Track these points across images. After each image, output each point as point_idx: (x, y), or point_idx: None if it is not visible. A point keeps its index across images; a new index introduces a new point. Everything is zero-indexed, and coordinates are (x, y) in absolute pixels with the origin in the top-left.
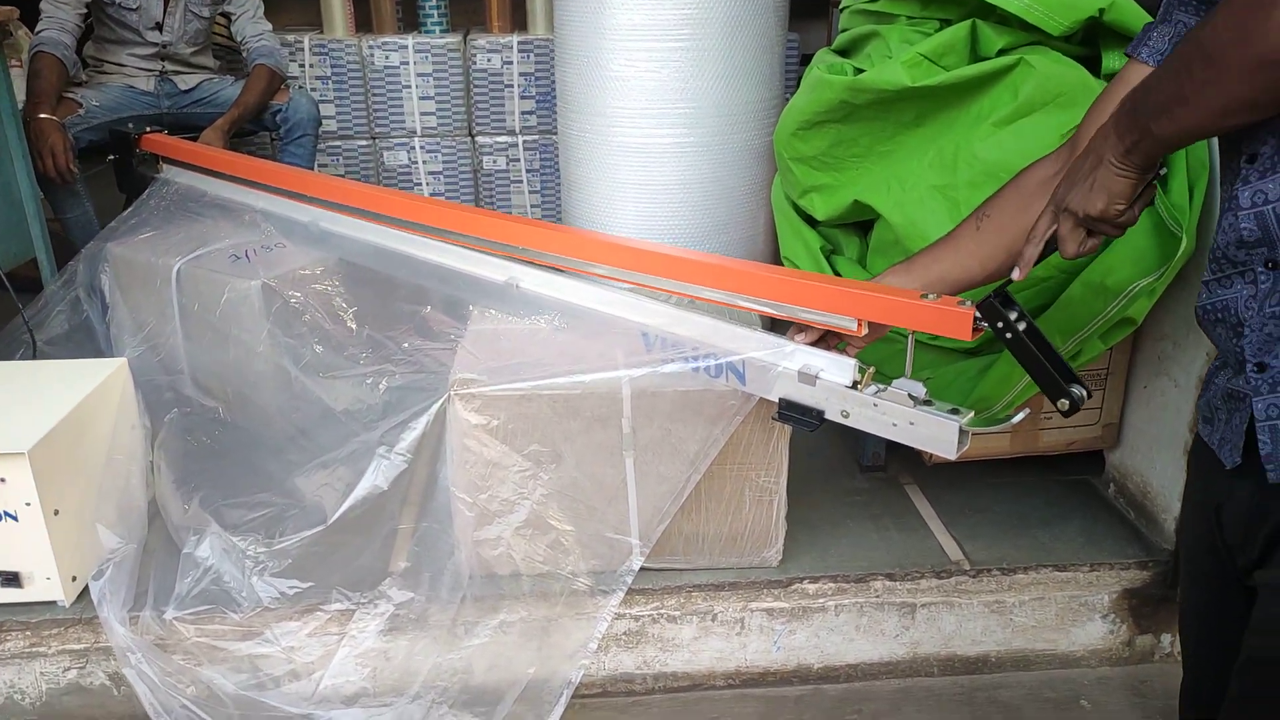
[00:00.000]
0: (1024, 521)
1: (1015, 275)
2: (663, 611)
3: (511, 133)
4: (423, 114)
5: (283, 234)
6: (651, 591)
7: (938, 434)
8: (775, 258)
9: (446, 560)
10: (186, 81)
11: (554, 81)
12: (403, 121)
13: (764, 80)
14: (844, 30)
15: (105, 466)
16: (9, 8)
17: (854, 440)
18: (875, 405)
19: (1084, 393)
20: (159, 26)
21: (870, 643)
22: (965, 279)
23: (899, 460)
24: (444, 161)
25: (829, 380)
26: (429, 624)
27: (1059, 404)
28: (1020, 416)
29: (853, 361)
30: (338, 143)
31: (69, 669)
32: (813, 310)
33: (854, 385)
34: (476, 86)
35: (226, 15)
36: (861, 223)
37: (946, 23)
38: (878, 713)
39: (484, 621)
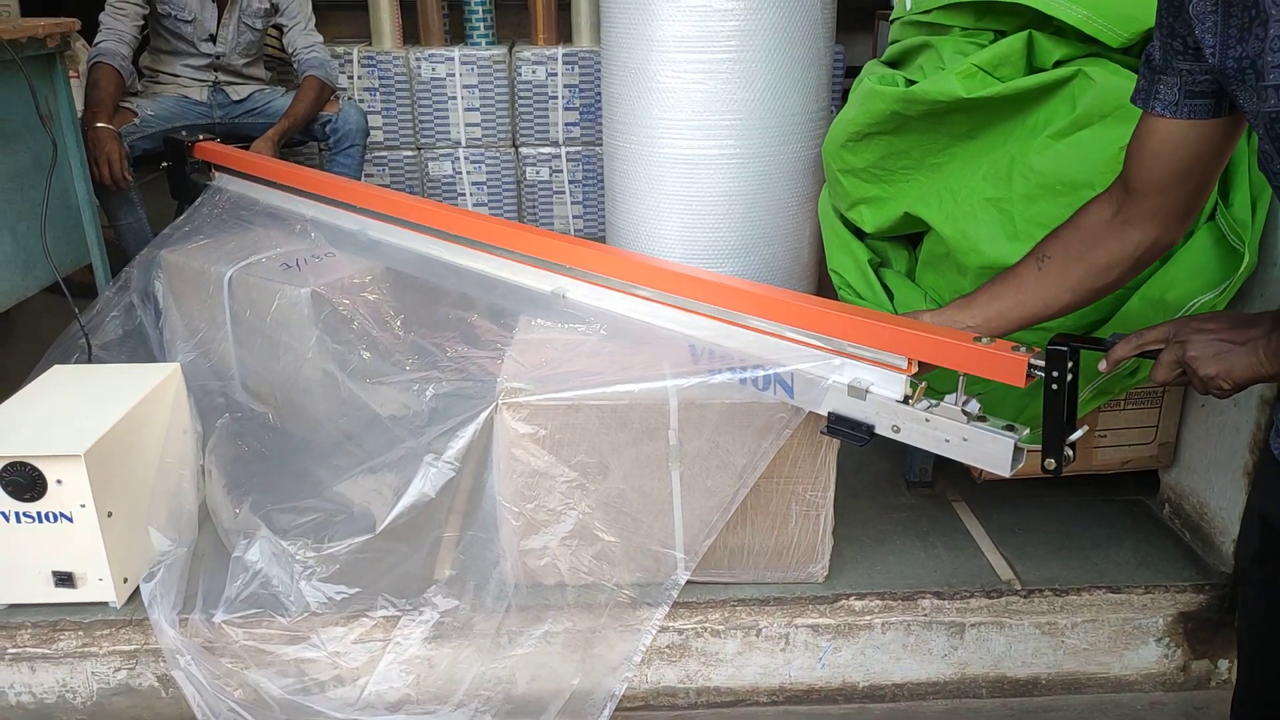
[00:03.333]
0: (1076, 541)
1: (1102, 367)
2: (707, 625)
3: (555, 144)
4: (468, 125)
5: (331, 242)
6: (696, 605)
7: (992, 451)
8: (820, 271)
9: (492, 569)
10: (239, 92)
11: (598, 93)
12: (448, 132)
13: (811, 92)
14: (894, 42)
15: (157, 470)
16: (70, 19)
17: (901, 456)
18: (927, 420)
19: (1071, 455)
20: (213, 38)
21: (917, 662)
22: (1026, 318)
23: (947, 477)
24: (488, 172)
25: (880, 394)
26: (473, 632)
27: (1047, 461)
28: (1079, 433)
29: (903, 376)
30: (384, 153)
31: (119, 669)
32: (862, 347)
33: (905, 400)
34: (521, 98)
35: (278, 27)
36: (910, 235)
37: (1001, 34)
38: None
39: (528, 631)
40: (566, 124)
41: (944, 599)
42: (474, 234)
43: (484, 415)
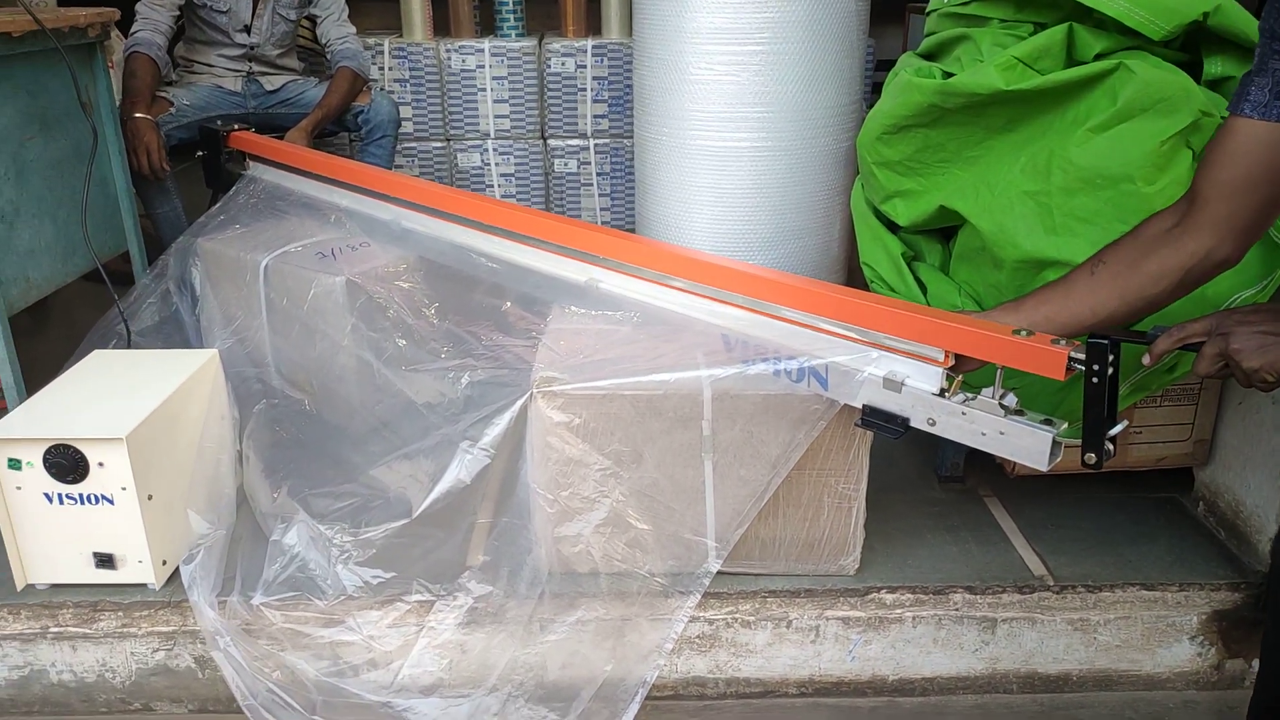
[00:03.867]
0: (1109, 538)
1: (1145, 361)
2: (737, 616)
3: (583, 136)
4: (496, 117)
5: (365, 232)
6: (726, 595)
7: (1029, 445)
8: (849, 264)
9: (525, 556)
10: (272, 82)
11: (627, 85)
12: (477, 124)
13: (844, 84)
14: (930, 34)
15: (196, 454)
16: (110, 9)
17: (932, 450)
18: (964, 414)
19: (1112, 450)
20: (247, 29)
21: (948, 656)
22: (1074, 324)
23: (978, 471)
24: (516, 164)
25: (915, 387)
26: (506, 618)
27: (1087, 456)
28: (1120, 427)
29: (939, 369)
30: (413, 144)
31: (157, 650)
32: (899, 339)
33: (941, 393)
34: (550, 90)
35: (312, 18)
36: (944, 229)
37: (1041, 26)
38: None
39: (561, 618)
40: (595, 116)
41: (976, 594)
42: (508, 224)
43: (519, 403)
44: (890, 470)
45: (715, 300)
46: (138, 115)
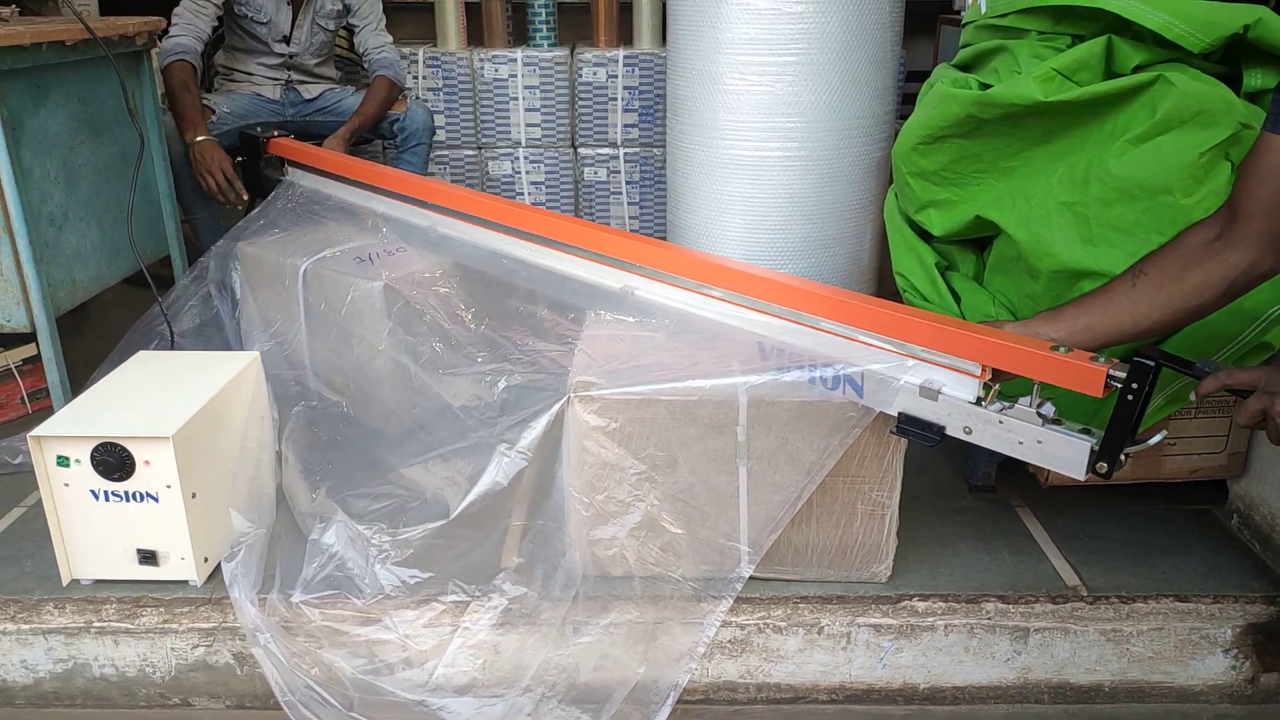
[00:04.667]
0: (1143, 550)
1: (1192, 397)
2: (769, 621)
3: (613, 145)
4: (528, 125)
5: (402, 237)
6: (759, 601)
7: (1067, 454)
8: (880, 274)
9: (560, 558)
10: (310, 91)
11: (658, 95)
12: (508, 132)
13: (877, 95)
14: (966, 45)
15: (238, 454)
16: (156, 18)
17: (962, 460)
18: (1001, 422)
19: (1123, 463)
20: (287, 39)
21: (979, 666)
22: (1115, 333)
23: (1009, 481)
24: (546, 172)
25: (952, 395)
26: (540, 620)
27: (1099, 465)
28: (1158, 439)
29: (976, 379)
30: (445, 152)
31: (197, 646)
32: (935, 352)
33: (978, 401)
34: (581, 99)
35: (349, 28)
36: (978, 239)
37: (1079, 39)
38: None
39: (594, 621)
40: (625, 125)
41: (1008, 603)
42: (545, 231)
43: (556, 407)
44: (921, 479)
45: (751, 310)
46: (200, 140)
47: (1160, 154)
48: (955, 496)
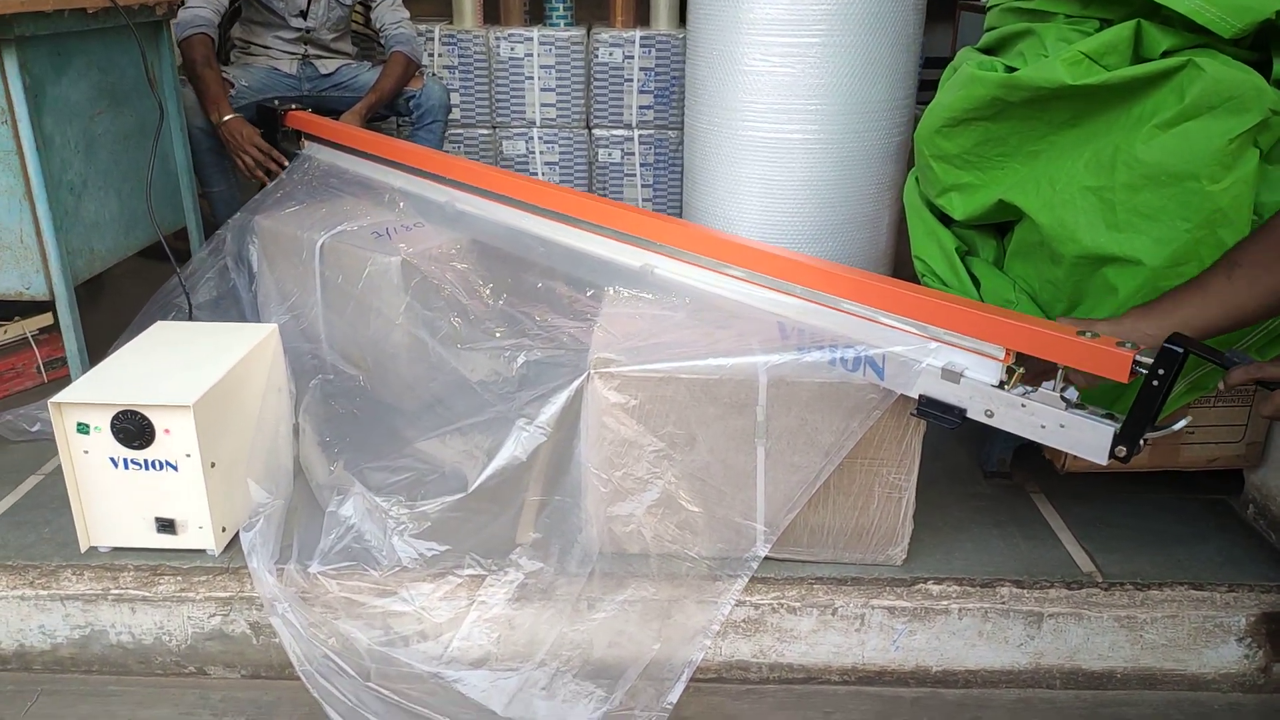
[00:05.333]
0: (1159, 537)
1: (1221, 386)
2: (783, 602)
3: (628, 126)
4: (543, 105)
5: (419, 213)
6: (773, 581)
7: (1089, 439)
8: (896, 259)
9: (576, 534)
10: (327, 66)
11: (674, 76)
12: (523, 112)
13: (898, 78)
14: (990, 29)
15: (255, 425)
16: None
17: (978, 445)
18: (1023, 406)
19: (1142, 448)
20: (303, 14)
21: (992, 650)
22: (1208, 327)
23: (1024, 468)
24: (560, 152)
25: (974, 379)
26: (555, 595)
27: (1118, 449)
28: (1182, 424)
29: (999, 362)
30: (459, 130)
31: (214, 615)
32: (958, 334)
33: (1001, 385)
34: (597, 80)
35: (365, 4)
36: (998, 224)
37: (1107, 22)
38: None
39: (609, 597)
40: (640, 106)
41: (1023, 588)
42: (564, 208)
43: (576, 383)
44: (936, 463)
45: (773, 290)
46: (229, 118)
47: (1188, 140)
48: (970, 482)
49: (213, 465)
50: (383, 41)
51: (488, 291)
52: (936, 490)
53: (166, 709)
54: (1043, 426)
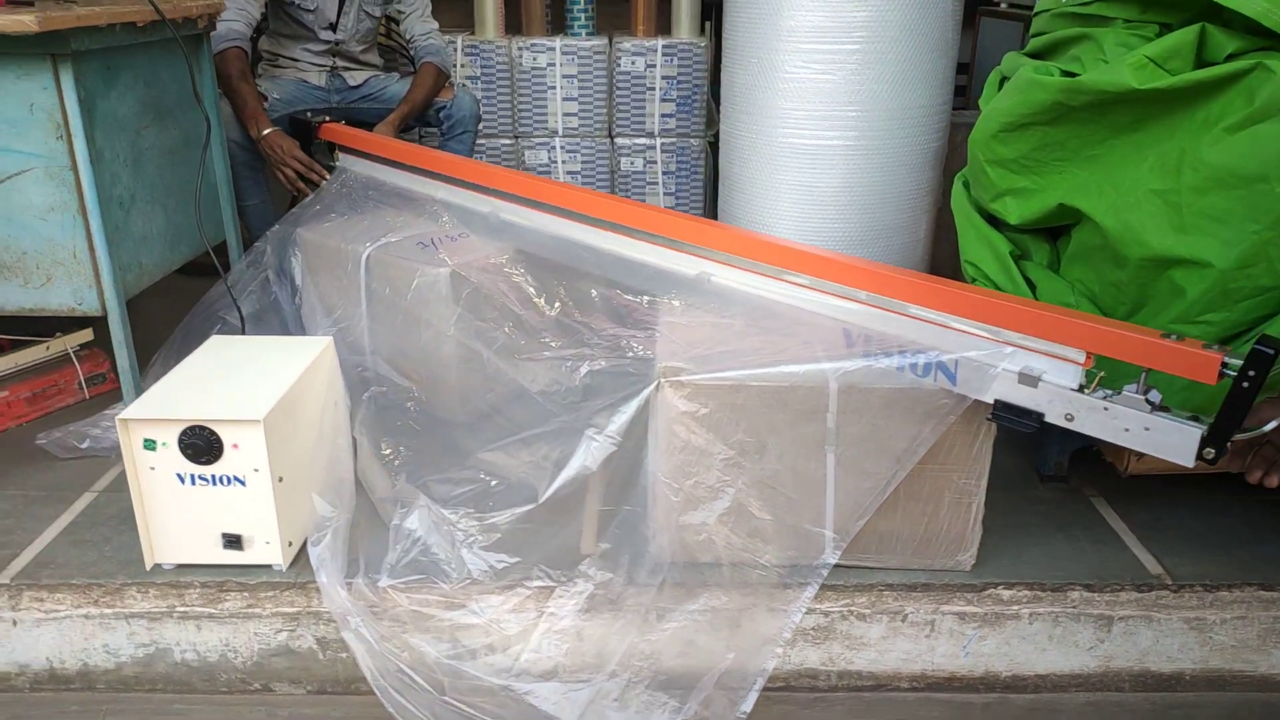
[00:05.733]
0: (1222, 539)
1: None
2: (853, 609)
3: (650, 135)
4: (565, 114)
5: (463, 224)
6: (843, 588)
7: (1176, 441)
8: (933, 265)
9: (646, 544)
10: (355, 78)
11: (695, 85)
12: (545, 121)
13: (936, 84)
14: (1039, 34)
15: (316, 439)
16: (216, 0)
17: (1029, 450)
18: (1106, 409)
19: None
20: (333, 26)
21: (1062, 654)
22: None
23: (1081, 472)
24: (582, 161)
25: (1053, 382)
26: (625, 606)
27: (1206, 451)
28: (1273, 425)
29: (1078, 365)
30: (482, 141)
31: (280, 631)
32: (1035, 339)
33: (1081, 389)
34: (619, 88)
35: (390, 18)
36: (1050, 229)
37: (1166, 26)
38: None
39: (680, 607)
40: (663, 115)
41: (1094, 591)
42: (615, 217)
43: (646, 392)
44: (991, 469)
45: (837, 296)
46: (269, 131)
47: (1257, 142)
48: (1026, 486)
49: (280, 480)
50: (411, 52)
51: (541, 301)
52: (995, 495)
53: None
54: (1126, 430)
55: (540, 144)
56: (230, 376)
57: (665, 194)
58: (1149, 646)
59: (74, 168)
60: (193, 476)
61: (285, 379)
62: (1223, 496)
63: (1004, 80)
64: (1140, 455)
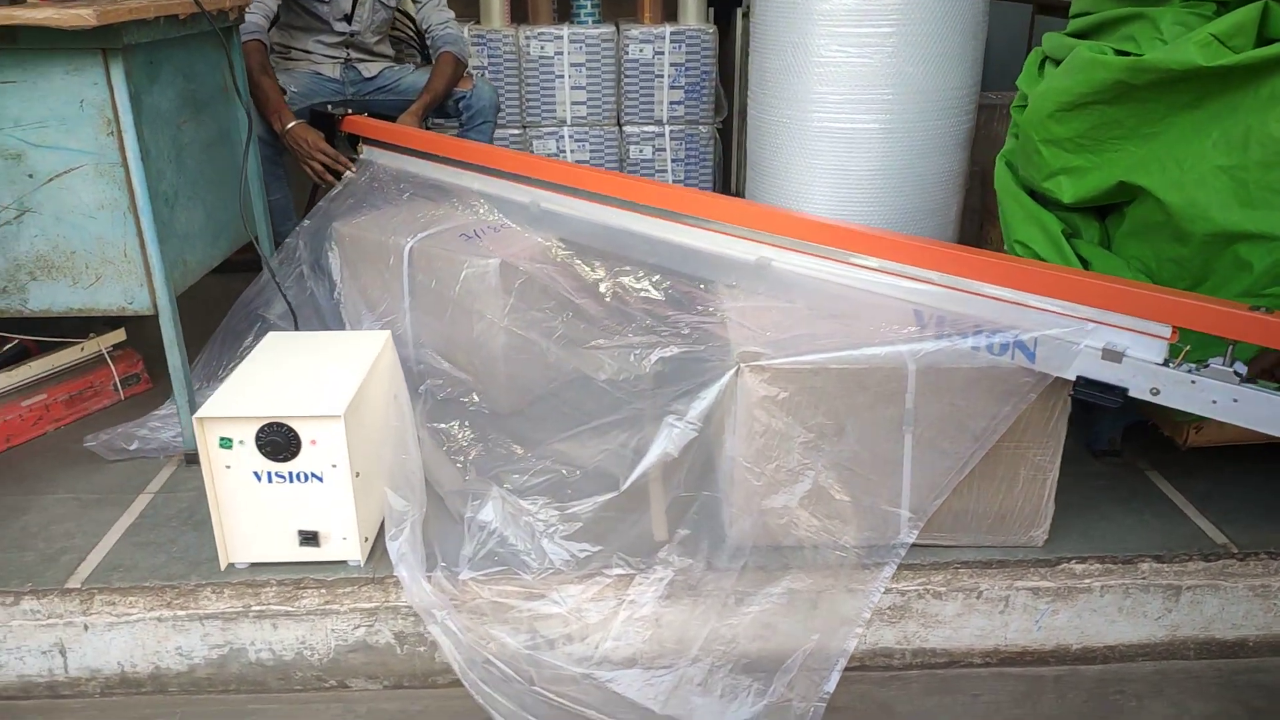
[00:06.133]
0: (1277, 508)
1: None
2: (929, 587)
3: (659, 123)
4: (574, 103)
5: (503, 214)
6: (919, 567)
7: (1266, 412)
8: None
9: (726, 529)
10: (369, 69)
11: (704, 72)
12: (554, 111)
13: (969, 66)
14: (1082, 14)
15: (384, 433)
16: None
17: (1079, 426)
18: (1193, 383)
19: None
20: (348, 18)
21: (1131, 624)
22: None
23: (1132, 446)
24: (591, 150)
25: (1137, 357)
26: (705, 591)
27: None
28: None
29: (1163, 340)
30: None
31: (358, 627)
32: (1121, 314)
33: (1165, 363)
34: (627, 76)
35: (402, 10)
36: (1099, 207)
37: (1223, 5)
38: (1140, 694)
39: (760, 590)
40: (671, 102)
41: (1163, 562)
42: (667, 204)
43: (726, 378)
44: None
45: (907, 278)
46: (293, 125)
47: None
48: (1081, 461)
49: (358, 475)
50: (429, 42)
51: (600, 289)
52: None
53: None
54: (1214, 402)
55: (549, 133)
56: (298, 372)
57: (674, 181)
58: (1214, 615)
59: (124, 164)
60: (269, 474)
61: (356, 373)
62: (1274, 466)
63: (1045, 61)
64: (1199, 428)
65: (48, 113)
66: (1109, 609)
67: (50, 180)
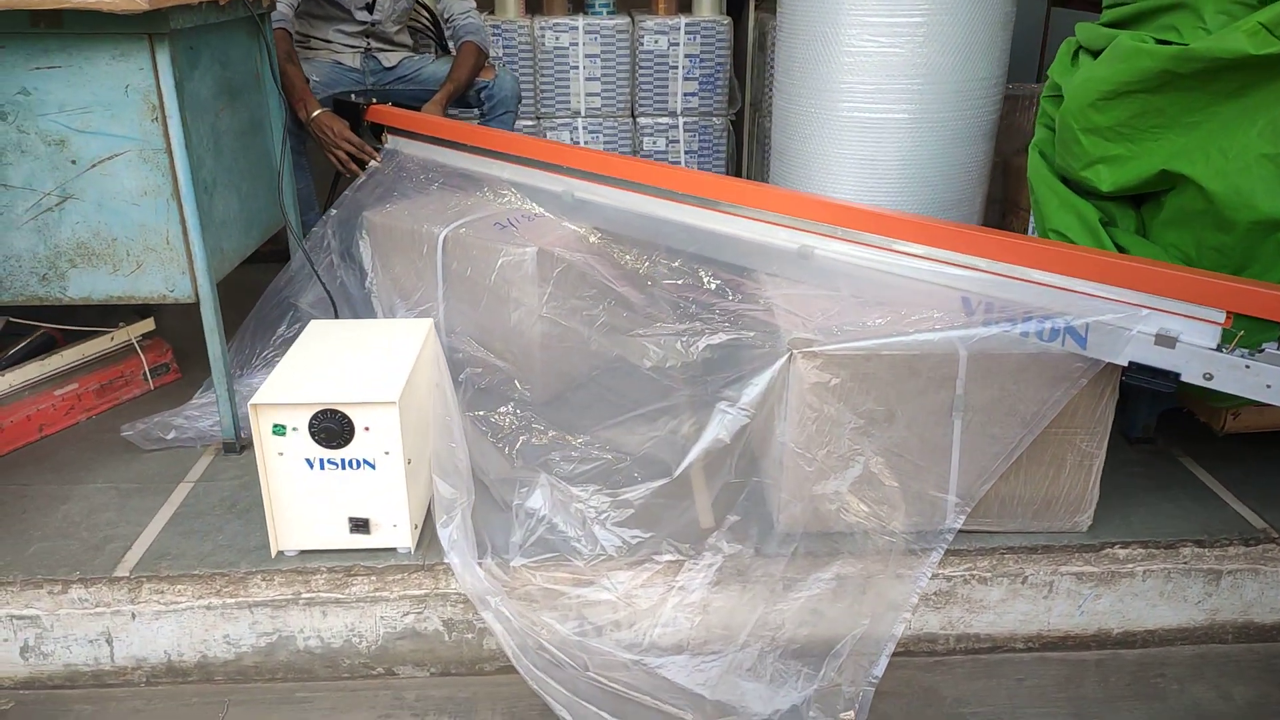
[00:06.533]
0: None
1: None
2: (974, 573)
3: (673, 114)
4: (588, 94)
5: (535, 203)
6: (965, 552)
7: None
8: None
9: (775, 514)
10: (389, 59)
11: (718, 63)
12: (568, 102)
13: (995, 56)
14: (1119, 3)
15: (431, 420)
16: None
17: (1118, 413)
18: (1248, 367)
19: None
20: (369, 7)
21: (1172, 609)
22: None
23: (1166, 433)
24: (605, 141)
25: (1190, 343)
26: (754, 577)
27: None
28: None
29: (1216, 325)
30: None
31: (407, 614)
32: (1174, 300)
33: (1219, 348)
34: (642, 68)
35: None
36: (1135, 196)
37: None
38: (1181, 678)
39: (810, 576)
40: (685, 94)
41: (1204, 547)
42: (708, 192)
43: (779, 364)
44: None
45: (954, 265)
46: (318, 113)
47: None
48: (1116, 449)
49: (409, 462)
50: (450, 32)
51: (641, 276)
52: None
53: (363, 712)
54: (1269, 386)
55: (563, 124)
56: (348, 360)
57: None
58: (1254, 599)
59: (168, 150)
60: (321, 461)
61: (405, 361)
62: None
63: (1079, 50)
64: (1237, 414)
65: (92, 98)
66: (1150, 593)
67: (93, 166)
